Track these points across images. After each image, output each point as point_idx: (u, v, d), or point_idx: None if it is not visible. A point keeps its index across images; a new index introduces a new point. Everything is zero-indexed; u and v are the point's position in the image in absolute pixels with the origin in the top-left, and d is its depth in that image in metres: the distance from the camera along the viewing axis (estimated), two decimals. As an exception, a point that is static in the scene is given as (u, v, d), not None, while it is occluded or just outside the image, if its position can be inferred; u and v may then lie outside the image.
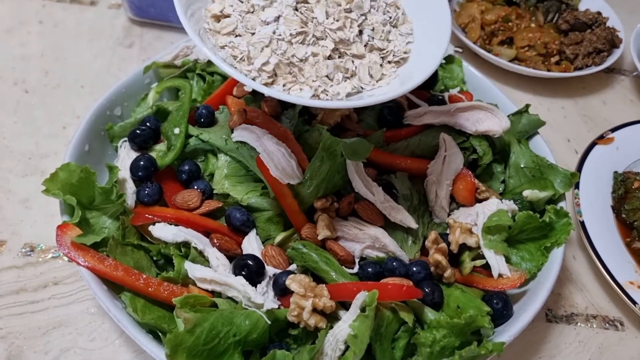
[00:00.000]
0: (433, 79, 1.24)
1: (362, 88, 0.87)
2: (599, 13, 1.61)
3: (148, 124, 1.09)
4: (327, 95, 0.84)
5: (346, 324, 0.82)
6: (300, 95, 0.82)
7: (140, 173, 1.01)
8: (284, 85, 0.83)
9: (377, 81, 0.88)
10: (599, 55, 1.53)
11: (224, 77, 1.17)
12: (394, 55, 0.91)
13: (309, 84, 0.83)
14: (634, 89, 1.61)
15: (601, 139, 1.34)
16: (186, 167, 1.03)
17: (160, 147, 1.08)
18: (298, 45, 0.83)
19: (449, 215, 1.05)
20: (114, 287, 0.90)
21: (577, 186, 1.23)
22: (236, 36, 0.85)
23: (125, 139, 1.08)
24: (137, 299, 0.89)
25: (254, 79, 0.82)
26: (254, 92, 1.11)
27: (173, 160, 1.04)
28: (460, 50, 1.31)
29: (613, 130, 1.37)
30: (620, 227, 1.21)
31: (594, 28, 1.57)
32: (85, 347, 0.97)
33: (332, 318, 0.87)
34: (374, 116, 1.14)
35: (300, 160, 0.99)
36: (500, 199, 1.06)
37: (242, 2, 0.87)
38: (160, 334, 0.86)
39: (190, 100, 1.10)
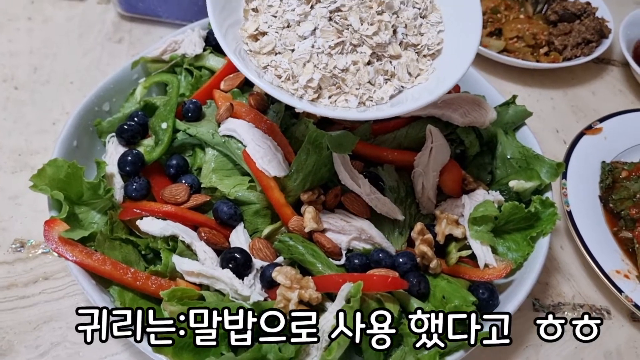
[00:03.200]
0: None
1: (402, 87, 0.88)
2: (588, 3, 1.61)
3: (136, 119, 1.10)
4: (372, 101, 0.85)
5: (332, 315, 0.83)
6: (347, 107, 0.83)
7: (127, 168, 1.01)
8: (329, 98, 0.83)
9: (415, 77, 0.89)
10: (587, 46, 1.53)
11: (212, 71, 1.17)
12: (428, 49, 0.91)
13: (353, 93, 0.84)
14: (623, 79, 1.61)
15: (589, 129, 1.35)
16: (174, 162, 1.04)
17: (148, 142, 1.08)
18: (338, 55, 0.84)
19: (436, 206, 1.06)
20: (103, 281, 0.90)
21: (564, 176, 1.24)
22: (276, 54, 0.86)
23: (113, 134, 1.09)
24: (126, 292, 0.90)
25: (301, 97, 0.83)
26: (241, 86, 1.11)
27: (161, 155, 1.05)
28: (448, 42, 1.31)
29: (601, 120, 1.37)
30: (607, 216, 1.22)
31: (583, 19, 1.57)
32: (75, 341, 0.98)
33: (318, 310, 0.88)
34: (361, 109, 1.14)
35: (287, 153, 0.99)
36: (487, 190, 1.07)
37: (275, 17, 0.87)
38: (148, 327, 0.87)
39: (177, 95, 1.11)
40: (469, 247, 0.99)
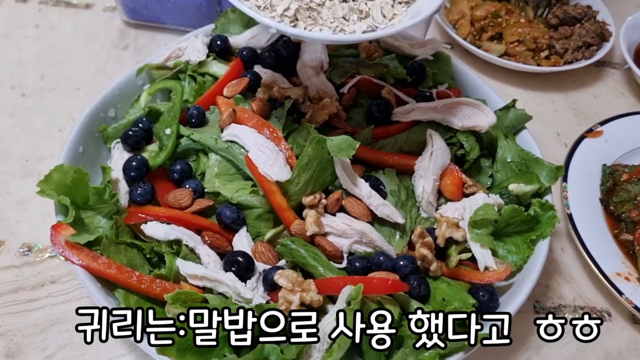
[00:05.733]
0: (421, 75, 1.26)
1: (376, 27, 0.92)
2: (589, 7, 1.62)
3: (140, 125, 1.11)
4: (344, 33, 0.89)
5: (332, 317, 0.84)
6: (322, 35, 0.89)
7: (132, 173, 1.03)
8: (304, 28, 0.88)
9: (389, 20, 0.93)
10: (588, 49, 1.54)
11: (215, 78, 1.19)
12: None
13: (328, 25, 0.89)
14: (624, 82, 1.62)
15: (590, 132, 1.36)
16: (178, 167, 1.05)
17: (153, 147, 1.10)
18: None
19: (436, 210, 1.07)
20: (108, 284, 0.92)
21: (565, 179, 1.25)
22: None
23: (118, 140, 1.11)
24: (131, 295, 0.91)
25: (279, 23, 0.88)
26: (244, 92, 1.13)
27: (165, 160, 1.06)
28: (449, 46, 1.33)
29: (602, 123, 1.38)
30: (608, 219, 1.23)
31: (584, 22, 1.58)
32: (82, 344, 0.98)
33: (320, 312, 0.89)
34: (362, 114, 1.16)
35: (289, 158, 1.01)
36: (487, 194, 1.08)
37: None
38: (153, 329, 0.89)
39: (181, 101, 1.12)
40: (469, 250, 1.00)
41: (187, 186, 1.03)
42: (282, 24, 0.88)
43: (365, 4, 0.92)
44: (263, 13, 0.89)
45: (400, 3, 0.95)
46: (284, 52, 1.20)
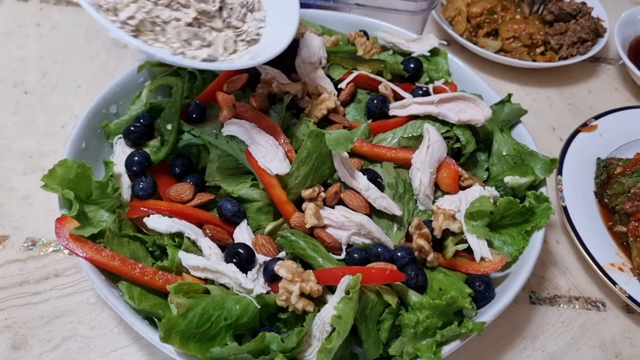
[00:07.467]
0: (418, 71, 1.28)
1: (216, 58, 0.95)
2: (584, 3, 1.64)
3: (142, 120, 1.13)
4: (184, 56, 0.91)
5: (332, 306, 0.86)
6: (162, 52, 0.89)
7: (135, 168, 1.05)
8: (145, 42, 0.89)
9: (230, 54, 0.97)
10: (583, 45, 1.56)
11: (215, 74, 1.21)
12: (247, 34, 1.00)
13: (170, 44, 0.91)
14: (619, 78, 1.64)
15: (584, 126, 1.38)
16: (179, 162, 1.07)
17: (154, 142, 1.12)
18: (163, 7, 0.91)
19: (433, 202, 1.09)
20: (112, 276, 0.94)
21: (560, 172, 1.27)
22: None
23: (120, 135, 1.13)
24: (134, 287, 0.93)
25: (120, 28, 0.88)
26: (243, 88, 1.15)
27: (166, 155, 1.08)
28: (445, 42, 1.34)
29: (597, 117, 1.40)
30: (602, 211, 1.25)
31: (579, 18, 1.60)
32: (86, 335, 1.02)
33: (319, 302, 0.91)
34: (360, 109, 1.18)
35: (288, 152, 1.03)
36: (483, 186, 1.10)
37: None
38: (156, 320, 0.90)
39: (182, 97, 1.14)
40: (466, 241, 1.02)
41: (189, 180, 1.05)
42: (122, 31, 0.87)
43: (210, 33, 0.95)
44: (104, 14, 0.87)
45: (242, 41, 0.99)
46: (282, 49, 1.22)
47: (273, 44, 0.98)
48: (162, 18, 0.89)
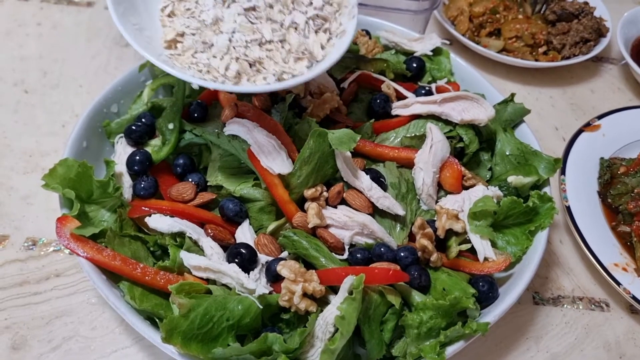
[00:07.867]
0: (420, 70, 1.27)
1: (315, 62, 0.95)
2: (586, 3, 1.63)
3: (143, 120, 1.13)
4: (290, 75, 0.92)
5: (335, 307, 0.85)
6: (267, 83, 0.90)
7: (136, 167, 1.05)
8: (247, 80, 0.90)
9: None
10: (585, 45, 1.56)
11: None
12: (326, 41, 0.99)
13: (271, 72, 0.91)
14: (621, 77, 1.63)
15: (587, 126, 1.37)
16: (181, 161, 1.07)
17: (156, 142, 1.11)
18: (254, 47, 0.92)
19: (436, 202, 1.08)
20: (113, 276, 0.93)
21: (563, 172, 1.26)
22: (196, 53, 0.93)
23: (122, 135, 1.12)
24: (135, 287, 0.93)
25: (223, 83, 0.90)
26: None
27: (168, 154, 1.08)
28: (448, 42, 1.34)
29: (599, 117, 1.39)
30: (606, 211, 1.24)
31: (581, 18, 1.59)
32: (87, 336, 1.01)
33: (322, 303, 0.91)
34: (362, 108, 1.17)
35: (291, 151, 1.02)
36: (486, 186, 1.09)
37: (193, 17, 0.94)
38: (157, 320, 0.89)
39: (183, 97, 1.14)
40: (469, 241, 1.01)
41: (190, 180, 1.04)
42: (226, 85, 0.90)
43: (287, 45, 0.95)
44: (207, 76, 0.91)
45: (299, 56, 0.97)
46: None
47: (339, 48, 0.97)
48: (256, 56, 0.91)
